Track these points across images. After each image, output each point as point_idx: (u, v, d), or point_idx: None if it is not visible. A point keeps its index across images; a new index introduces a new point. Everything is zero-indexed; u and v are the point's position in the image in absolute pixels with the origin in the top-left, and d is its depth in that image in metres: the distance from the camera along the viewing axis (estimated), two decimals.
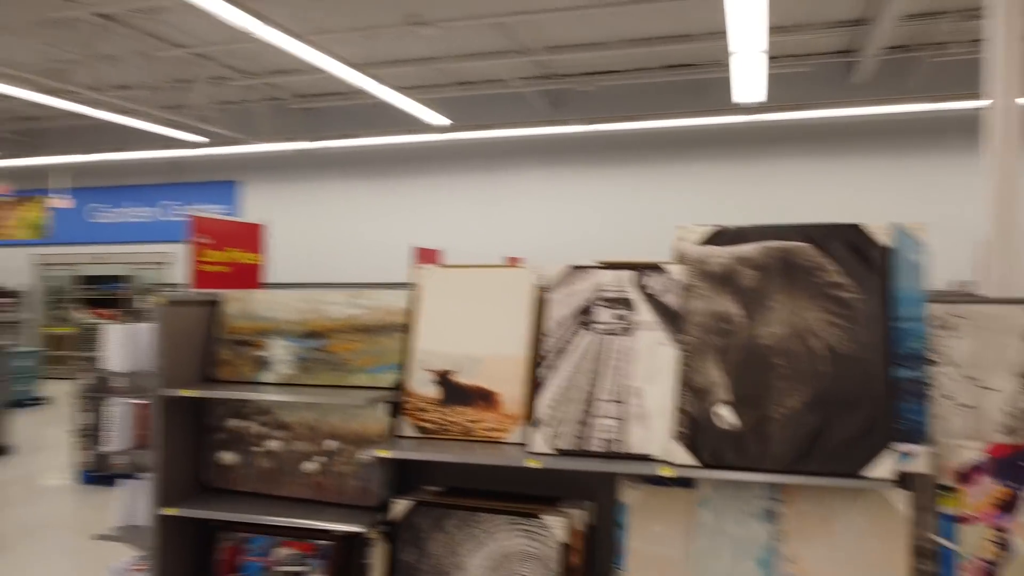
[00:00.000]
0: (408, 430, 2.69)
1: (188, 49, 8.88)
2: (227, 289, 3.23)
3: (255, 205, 12.56)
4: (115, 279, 13.42)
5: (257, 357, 3.01)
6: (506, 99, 10.60)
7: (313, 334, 2.97)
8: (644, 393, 2.42)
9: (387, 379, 2.80)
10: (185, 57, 9.18)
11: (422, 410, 2.70)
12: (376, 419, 2.79)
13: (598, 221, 10.84)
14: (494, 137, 10.49)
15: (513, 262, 8.66)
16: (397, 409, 2.73)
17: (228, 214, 12.52)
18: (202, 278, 3.43)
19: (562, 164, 11.06)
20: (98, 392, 5.93)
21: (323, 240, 12.09)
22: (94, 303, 13.39)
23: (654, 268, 2.56)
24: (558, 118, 10.15)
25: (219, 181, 12.73)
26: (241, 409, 2.99)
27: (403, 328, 2.85)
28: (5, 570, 5.03)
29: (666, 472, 2.25)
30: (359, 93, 8.90)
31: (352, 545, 2.77)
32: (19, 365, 10.20)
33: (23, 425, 8.87)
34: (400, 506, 2.65)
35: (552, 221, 11.03)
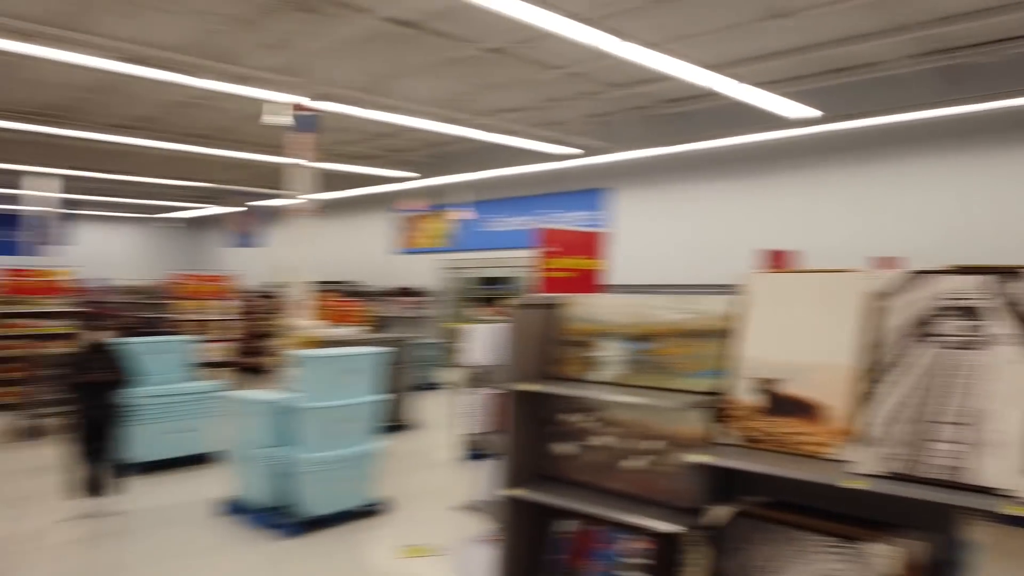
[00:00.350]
0: (728, 437, 2.68)
1: (561, 70, 9.66)
2: (568, 293, 3.51)
3: (623, 210, 13.15)
4: (503, 280, 15.09)
5: (590, 357, 3.23)
6: (886, 82, 9.61)
7: (641, 337, 3.10)
8: (997, 417, 2.11)
9: (709, 384, 2.82)
10: (559, 77, 10.00)
11: (743, 418, 2.67)
12: (696, 423, 2.82)
13: (992, 214, 9.29)
14: (869, 125, 9.58)
15: (885, 264, 7.85)
16: (718, 415, 2.73)
17: (598, 220, 13.31)
18: (548, 283, 3.78)
19: (951, 151, 9.70)
20: (471, 381, 6.79)
21: (684, 241, 12.21)
22: (486, 302, 15.21)
23: (1017, 273, 2.21)
24: (951, 97, 8.93)
25: (591, 189, 13.59)
26: (575, 404, 3.23)
27: (726, 334, 2.84)
28: (392, 525, 6.07)
29: (1021, 511, 1.94)
30: (720, 94, 8.83)
31: (671, 544, 2.83)
32: (423, 355, 12.06)
33: (423, 406, 10.45)
34: (719, 513, 2.65)
35: (936, 216, 9.73)
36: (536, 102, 11.19)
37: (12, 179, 15.50)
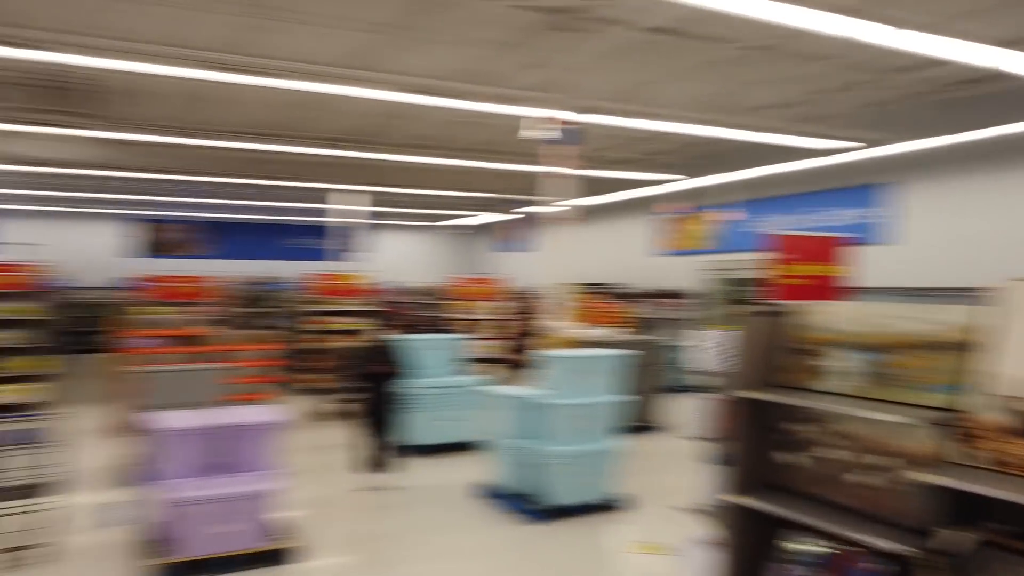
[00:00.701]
0: (969, 458, 2.48)
1: (829, 60, 9.10)
2: (803, 301, 3.41)
3: (908, 206, 12.00)
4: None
5: (821, 367, 3.13)
6: None
7: (875, 347, 2.95)
8: None
9: (948, 400, 2.62)
10: (827, 69, 9.42)
11: (988, 438, 2.46)
12: (932, 441, 2.63)
13: None
14: None
15: None
16: (957, 433, 2.54)
17: (872, 218, 12.29)
18: (782, 290, 3.67)
19: None
20: (707, 386, 6.72)
21: (979, 240, 10.83)
22: (741, 304, 14.71)
23: None
24: None
25: (864, 185, 12.58)
26: (803, 415, 3.15)
27: (970, 346, 2.62)
28: (628, 521, 6.24)
29: None
30: (1014, 75, 7.75)
31: (903, 566, 2.67)
32: (678, 357, 11.98)
33: (675, 408, 10.42)
34: (959, 539, 2.46)
35: None
36: (802, 96, 10.63)
37: (320, 196, 18.06)
